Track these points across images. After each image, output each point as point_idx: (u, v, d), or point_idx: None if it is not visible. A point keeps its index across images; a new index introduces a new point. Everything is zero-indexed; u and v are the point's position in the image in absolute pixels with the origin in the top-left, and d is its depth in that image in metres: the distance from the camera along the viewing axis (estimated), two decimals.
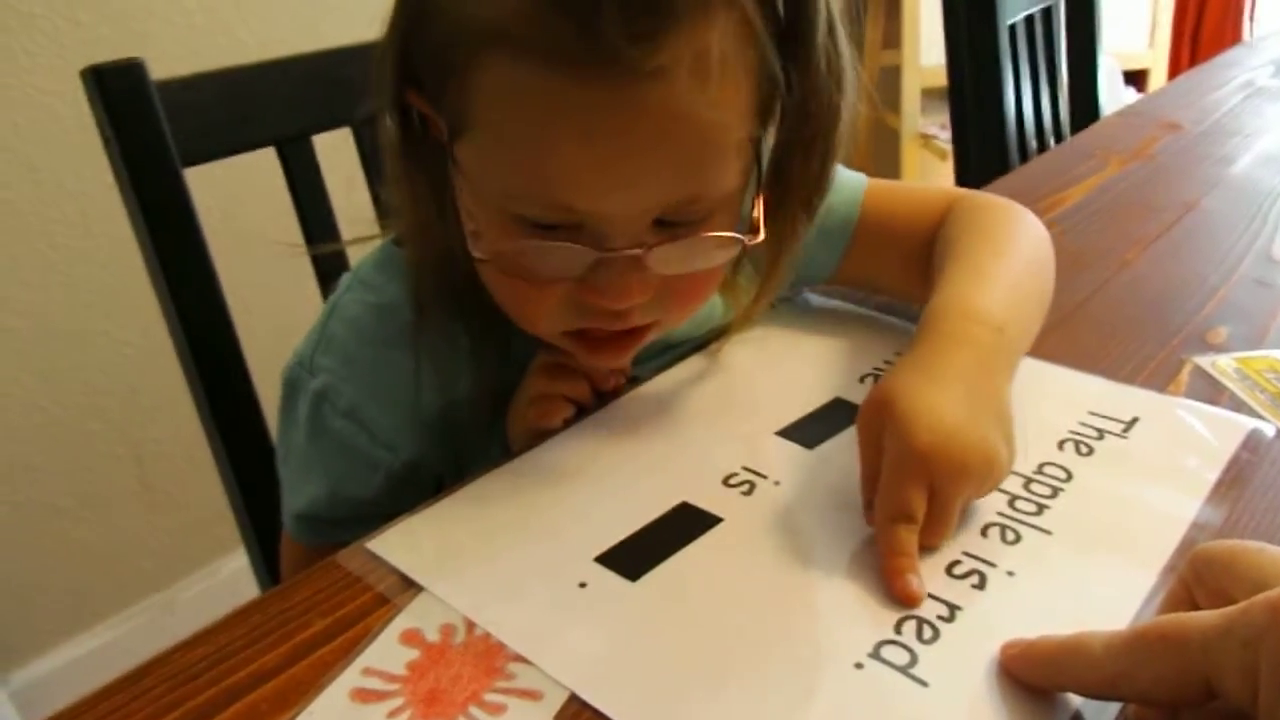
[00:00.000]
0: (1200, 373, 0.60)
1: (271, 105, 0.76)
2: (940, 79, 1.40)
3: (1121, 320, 0.67)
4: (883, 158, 2.57)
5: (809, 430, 0.56)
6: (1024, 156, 1.33)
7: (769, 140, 0.51)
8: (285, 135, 0.76)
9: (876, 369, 0.62)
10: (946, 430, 0.45)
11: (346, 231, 0.79)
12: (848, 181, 0.67)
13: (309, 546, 0.62)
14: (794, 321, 0.68)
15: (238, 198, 1.21)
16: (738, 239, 0.50)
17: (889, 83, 2.52)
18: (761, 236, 0.51)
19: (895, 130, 2.51)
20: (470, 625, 0.42)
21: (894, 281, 0.67)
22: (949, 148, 1.44)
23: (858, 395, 0.59)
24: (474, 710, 0.38)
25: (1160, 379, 0.59)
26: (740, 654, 0.41)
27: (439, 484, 0.61)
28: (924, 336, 0.52)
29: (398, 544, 0.47)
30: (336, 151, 0.81)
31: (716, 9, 0.43)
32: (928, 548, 0.46)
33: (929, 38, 2.30)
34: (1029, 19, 1.27)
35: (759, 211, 0.51)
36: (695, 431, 0.56)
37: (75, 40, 1.28)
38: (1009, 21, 1.20)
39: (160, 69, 0.69)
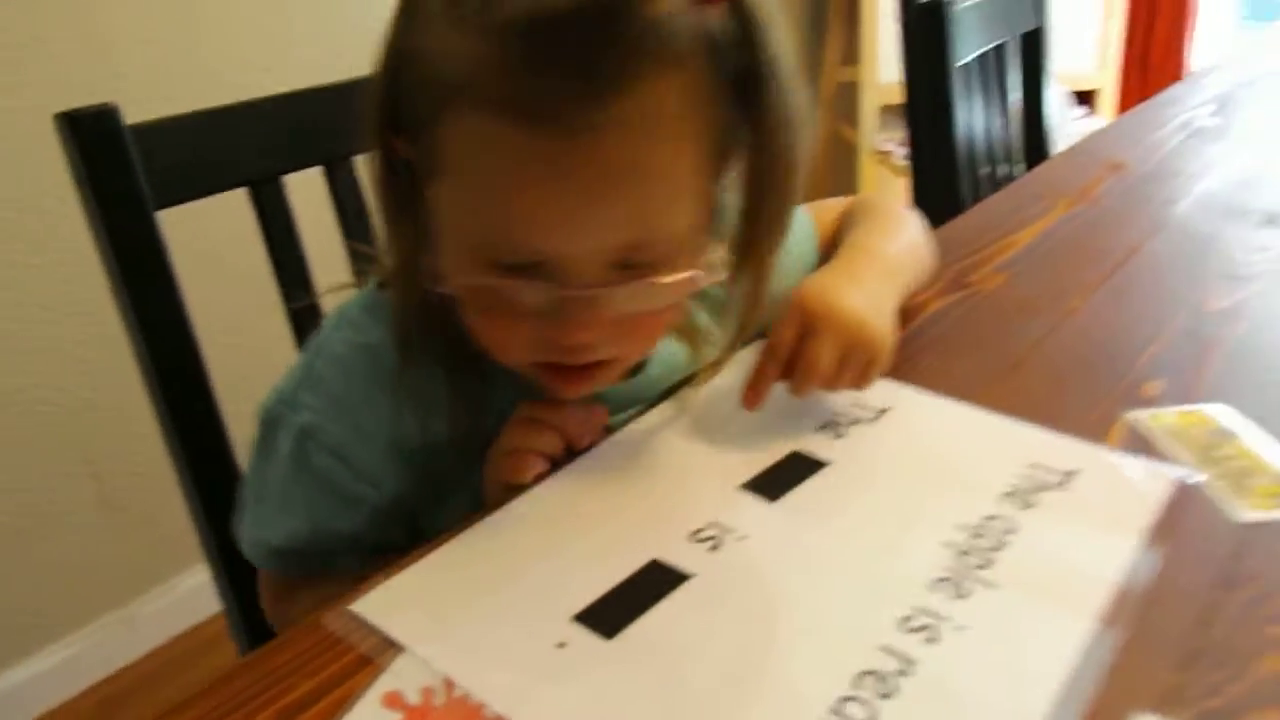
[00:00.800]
0: (1135, 427, 0.63)
1: (244, 147, 0.77)
2: (897, 95, 1.44)
3: (1066, 370, 0.71)
4: (840, 173, 2.62)
5: (771, 483, 0.58)
6: (975, 182, 1.37)
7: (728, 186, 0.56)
8: (258, 176, 0.78)
9: (831, 420, 0.64)
10: (836, 300, 0.62)
11: (319, 271, 0.81)
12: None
13: (292, 578, 0.64)
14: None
15: (211, 236, 1.21)
16: (692, 280, 0.54)
17: (846, 98, 2.56)
18: (718, 278, 0.56)
19: (853, 145, 2.56)
20: (450, 686, 0.44)
21: None
22: (905, 164, 1.48)
23: (815, 447, 0.61)
24: None
25: (1098, 432, 0.63)
26: (713, 708, 0.43)
27: (415, 522, 0.63)
28: (834, 261, 0.68)
29: (380, 605, 0.49)
30: (310, 192, 0.82)
31: (664, 71, 0.48)
32: (798, 393, 0.61)
33: (886, 55, 2.35)
34: (982, 55, 1.32)
35: (716, 257, 0.56)
36: (663, 486, 0.59)
37: (38, 60, 1.27)
38: (960, 63, 1.24)
39: (131, 104, 0.70)
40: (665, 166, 0.50)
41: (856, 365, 0.62)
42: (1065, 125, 2.34)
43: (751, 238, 0.57)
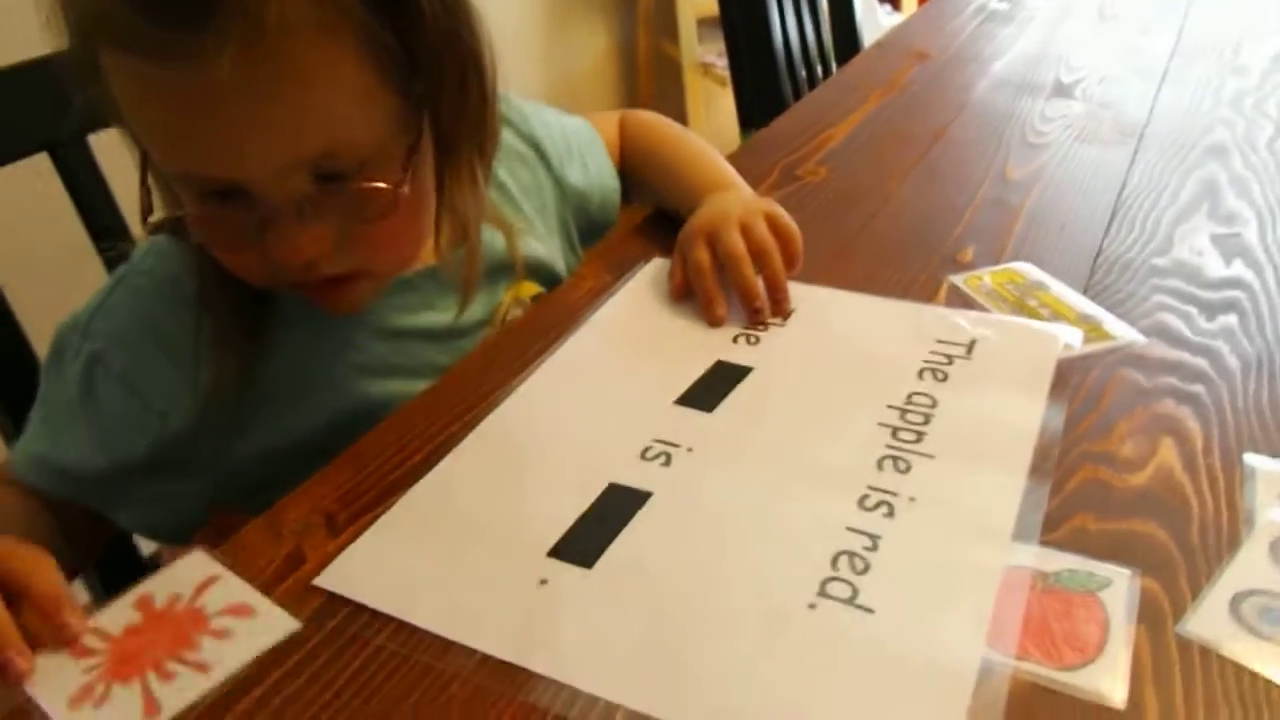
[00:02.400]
0: (955, 290, 0.69)
1: (37, 108, 0.72)
2: (712, 7, 1.46)
3: (889, 248, 0.76)
4: (666, 87, 2.63)
5: (703, 394, 0.59)
6: (794, 82, 1.42)
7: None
8: (57, 139, 0.73)
9: (746, 328, 0.66)
10: (716, 209, 0.70)
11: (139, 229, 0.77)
12: (569, 119, 0.83)
13: (50, 493, 0.61)
14: (659, 292, 0.71)
15: (14, 208, 1.12)
16: (385, 188, 0.54)
17: (664, 13, 2.57)
18: (407, 187, 0.55)
19: (675, 60, 2.58)
20: (197, 593, 0.46)
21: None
22: (728, 74, 1.52)
23: (736, 355, 0.63)
24: (150, 675, 0.43)
25: (924, 295, 0.68)
26: (708, 614, 0.44)
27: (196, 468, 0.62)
28: (701, 206, 0.72)
29: (347, 574, 0.47)
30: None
31: None
32: (742, 280, 0.65)
33: None
34: None
35: (404, 165, 0.55)
36: (600, 411, 0.58)
37: None
38: None
39: None
40: (314, 74, 0.49)
41: (762, 228, 0.68)
42: (875, 22, 2.43)
43: (442, 142, 0.58)
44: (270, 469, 0.61)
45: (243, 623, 0.45)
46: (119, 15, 0.46)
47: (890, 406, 0.57)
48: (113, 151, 0.77)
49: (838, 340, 0.64)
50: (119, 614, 0.46)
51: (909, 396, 0.58)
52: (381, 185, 0.54)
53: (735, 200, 0.72)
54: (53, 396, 0.62)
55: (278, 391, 0.62)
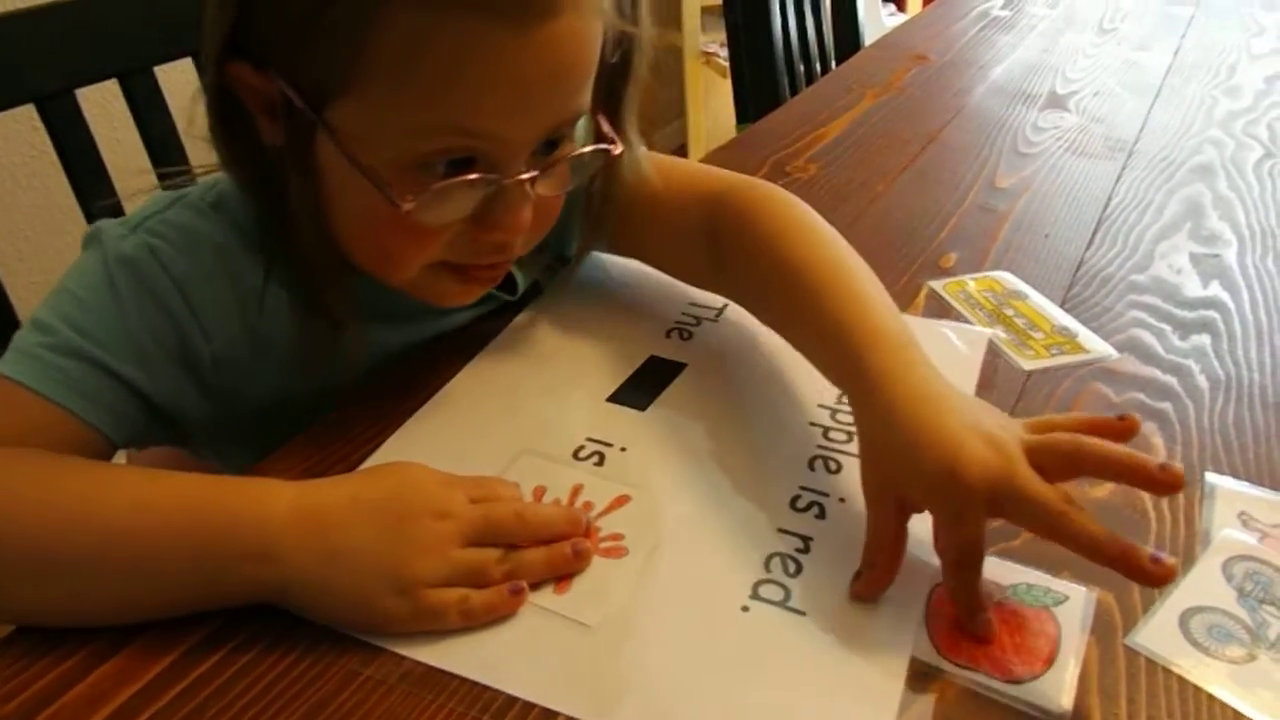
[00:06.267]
0: (934, 295, 0.69)
1: (28, 60, 0.71)
2: None
3: (872, 250, 0.74)
4: (667, 75, 2.62)
5: (636, 392, 0.59)
6: (792, 79, 1.42)
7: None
8: (46, 91, 0.72)
9: (679, 323, 0.66)
10: (956, 442, 0.43)
11: (121, 186, 0.76)
12: None
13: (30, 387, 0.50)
14: (591, 286, 0.70)
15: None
16: (606, 149, 0.55)
17: (668, 1, 2.56)
18: (620, 147, 0.56)
19: (678, 48, 2.57)
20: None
21: (663, 258, 0.68)
22: (729, 65, 1.51)
23: (668, 350, 0.63)
24: None
25: (903, 301, 0.69)
26: (643, 618, 0.44)
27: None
28: (864, 390, 0.49)
29: None
30: (106, 105, 0.77)
31: None
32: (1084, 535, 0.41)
33: None
34: None
35: (607, 127, 0.56)
36: (531, 409, 0.58)
37: None
38: None
39: None
40: (593, 46, 0.51)
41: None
42: (878, 22, 2.42)
43: (621, 112, 0.58)
44: (259, 425, 0.59)
45: None
46: None
47: (821, 406, 0.58)
48: (100, 106, 0.77)
49: (770, 338, 0.63)
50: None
51: (840, 396, 0.58)
52: (600, 149, 0.54)
53: (972, 413, 0.46)
54: (67, 283, 0.54)
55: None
